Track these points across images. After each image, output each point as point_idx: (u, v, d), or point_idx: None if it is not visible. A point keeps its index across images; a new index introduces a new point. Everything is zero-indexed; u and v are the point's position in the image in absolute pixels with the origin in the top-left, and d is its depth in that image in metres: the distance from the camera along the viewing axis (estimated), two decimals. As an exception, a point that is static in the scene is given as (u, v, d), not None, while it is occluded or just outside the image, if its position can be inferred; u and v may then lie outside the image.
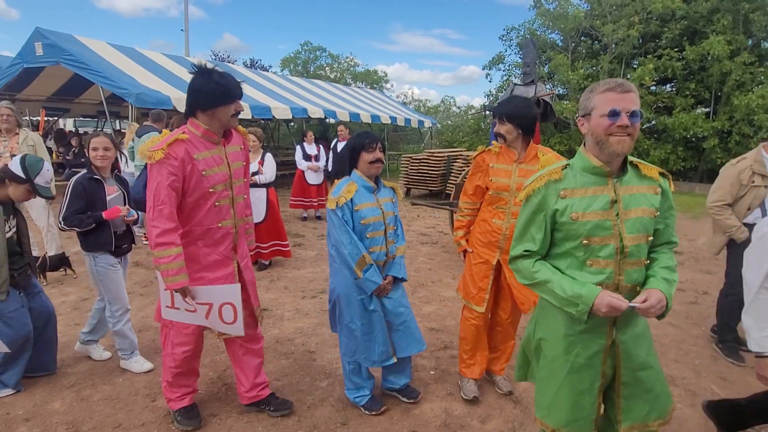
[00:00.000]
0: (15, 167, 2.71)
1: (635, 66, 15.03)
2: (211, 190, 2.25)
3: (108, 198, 2.93)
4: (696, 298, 4.66)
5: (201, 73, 2.18)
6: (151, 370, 3.07)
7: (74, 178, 2.90)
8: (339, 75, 25.08)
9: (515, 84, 5.74)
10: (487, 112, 6.06)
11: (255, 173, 4.97)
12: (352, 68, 26.10)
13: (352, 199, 2.43)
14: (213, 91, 2.15)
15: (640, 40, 15.23)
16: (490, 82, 48.39)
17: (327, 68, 25.48)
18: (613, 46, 15.19)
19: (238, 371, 2.63)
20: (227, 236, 2.38)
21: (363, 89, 19.12)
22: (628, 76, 14.51)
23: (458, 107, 25.60)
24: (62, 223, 2.83)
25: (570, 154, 15.59)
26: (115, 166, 3.05)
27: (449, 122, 22.74)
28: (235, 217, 2.39)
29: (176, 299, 2.31)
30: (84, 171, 2.95)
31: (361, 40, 56.11)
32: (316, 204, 8.10)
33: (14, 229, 2.79)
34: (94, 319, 3.16)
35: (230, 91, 2.18)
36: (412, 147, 19.61)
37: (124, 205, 3.01)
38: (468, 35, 57.55)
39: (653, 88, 15.38)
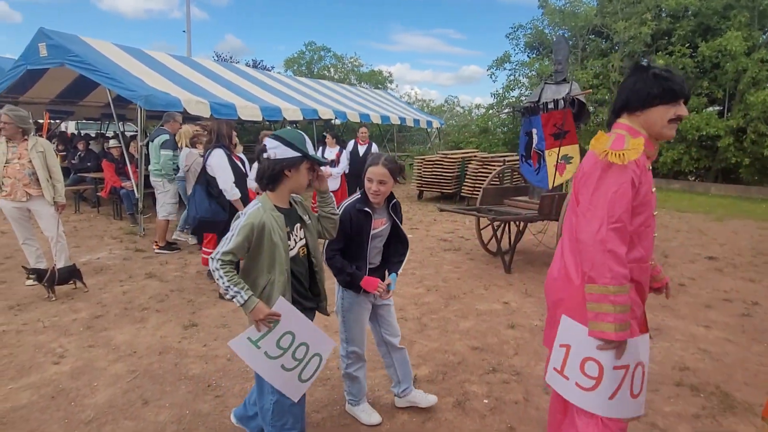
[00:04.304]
0: (280, 151, 1.93)
1: (647, 64, 14.76)
2: (655, 213, 1.75)
3: (372, 232, 2.44)
4: (747, 310, 4.39)
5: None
6: (379, 424, 2.56)
7: (345, 205, 2.43)
8: (344, 75, 24.80)
9: (546, 83, 5.46)
10: (518, 113, 5.53)
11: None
12: (356, 69, 25.83)
13: None
14: (651, 86, 1.67)
15: (652, 38, 14.97)
16: (495, 82, 48.05)
17: (331, 69, 25.19)
18: (623, 44, 14.93)
19: None
20: (648, 278, 1.83)
21: (369, 89, 18.86)
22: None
23: (462, 107, 25.37)
24: (325, 255, 2.39)
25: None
26: (391, 198, 2.50)
27: (453, 122, 22.50)
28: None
29: (569, 363, 1.70)
30: (356, 197, 2.45)
31: (362, 40, 55.88)
32: None
33: (302, 243, 2.11)
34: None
35: (674, 88, 1.64)
36: (417, 148, 19.34)
37: (391, 231, 2.55)
38: (468, 35, 57.20)
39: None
